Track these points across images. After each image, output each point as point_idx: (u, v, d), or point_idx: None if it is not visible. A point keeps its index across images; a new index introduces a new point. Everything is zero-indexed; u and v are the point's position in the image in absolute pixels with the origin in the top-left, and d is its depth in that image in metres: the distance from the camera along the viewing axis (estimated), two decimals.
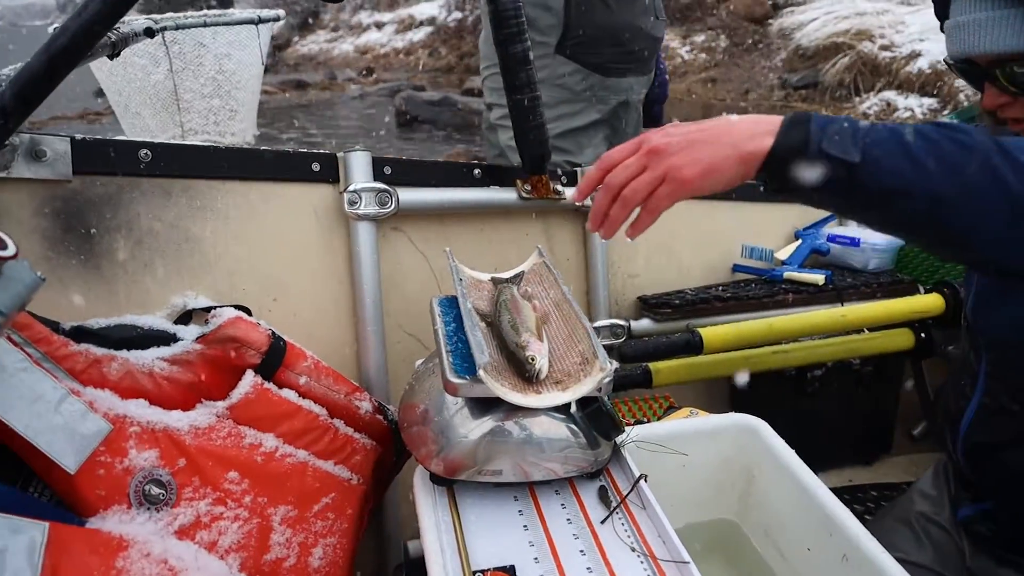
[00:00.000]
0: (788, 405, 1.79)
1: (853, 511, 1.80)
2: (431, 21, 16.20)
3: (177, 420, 0.95)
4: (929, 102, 7.17)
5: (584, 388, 0.91)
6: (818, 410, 1.82)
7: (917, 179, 0.67)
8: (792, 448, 1.19)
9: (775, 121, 0.73)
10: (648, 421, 1.55)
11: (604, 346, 1.63)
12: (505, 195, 1.49)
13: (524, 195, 1.48)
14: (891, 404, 1.96)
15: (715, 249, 1.85)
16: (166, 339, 1.08)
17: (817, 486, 1.10)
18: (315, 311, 1.37)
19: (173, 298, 1.22)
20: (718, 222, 1.85)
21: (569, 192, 1.58)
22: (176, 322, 1.17)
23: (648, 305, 1.68)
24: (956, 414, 1.09)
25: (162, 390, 1.00)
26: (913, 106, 7.18)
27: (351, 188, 1.32)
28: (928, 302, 1.73)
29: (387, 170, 1.36)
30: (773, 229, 1.94)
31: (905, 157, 0.67)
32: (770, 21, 9.93)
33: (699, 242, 1.82)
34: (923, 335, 1.73)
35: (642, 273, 1.74)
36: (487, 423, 0.94)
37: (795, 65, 9.00)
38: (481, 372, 0.87)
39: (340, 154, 1.33)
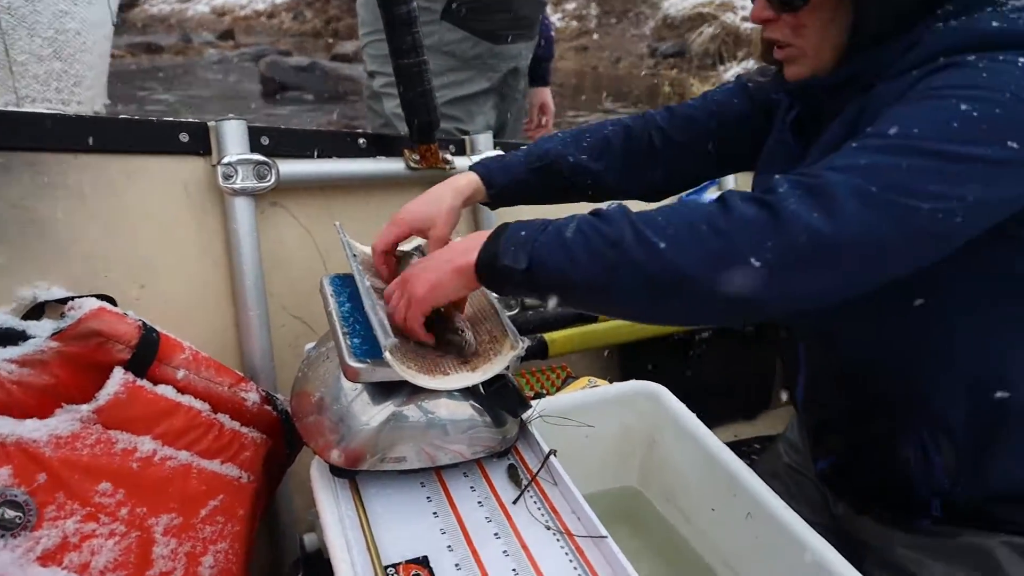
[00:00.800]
0: (676, 368, 1.83)
1: None
2: None
3: (33, 430, 0.83)
4: None
5: (495, 367, 0.88)
6: (704, 372, 1.87)
7: (575, 273, 0.75)
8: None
9: (483, 238, 0.83)
10: (547, 392, 1.54)
11: None
12: (392, 165, 1.42)
13: (412, 165, 1.42)
14: (771, 361, 2.05)
15: None
16: (13, 337, 0.95)
17: (719, 448, 1.12)
18: (189, 296, 1.25)
19: (20, 289, 1.08)
20: None
21: (460, 161, 1.52)
22: (25, 317, 1.04)
23: None
24: (793, 386, 1.13)
25: (11, 396, 0.88)
26: None
27: (225, 160, 1.21)
28: None
29: (264, 140, 1.26)
30: None
31: (564, 255, 0.75)
32: None
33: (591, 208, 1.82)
34: None
35: None
36: (388, 408, 0.89)
37: (664, 34, 9.24)
38: (387, 355, 0.81)
39: (212, 123, 1.21)
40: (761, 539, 1.03)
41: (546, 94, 2.48)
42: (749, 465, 1.99)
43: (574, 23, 10.29)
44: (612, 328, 1.61)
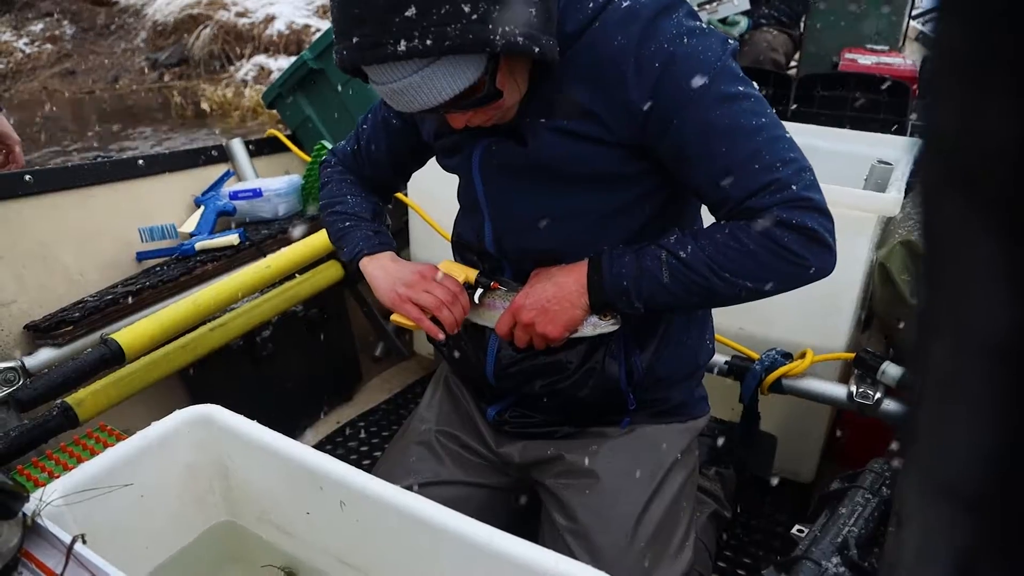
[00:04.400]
0: (250, 376, 1.67)
1: (348, 449, 1.83)
2: None
3: None
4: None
5: None
6: (281, 370, 1.74)
7: (679, 304, 0.99)
8: (270, 417, 1.08)
9: (582, 279, 1.00)
10: None
11: None
12: None
13: None
14: (347, 337, 2.00)
15: (107, 242, 1.58)
16: None
17: (291, 447, 1.01)
18: None
19: None
20: (99, 212, 1.58)
21: None
22: None
23: (40, 331, 1.34)
24: (483, 338, 1.13)
25: None
26: (284, 66, 7.52)
27: None
28: None
29: None
30: (169, 202, 1.75)
31: (670, 297, 0.96)
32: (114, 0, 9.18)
33: (84, 240, 1.53)
34: None
35: (18, 297, 1.38)
36: None
37: (159, 43, 8.55)
38: None
39: None
40: (362, 521, 0.96)
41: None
42: (356, 448, 1.94)
43: (48, 46, 8.89)
44: (154, 361, 1.38)
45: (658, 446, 1.14)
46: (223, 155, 1.90)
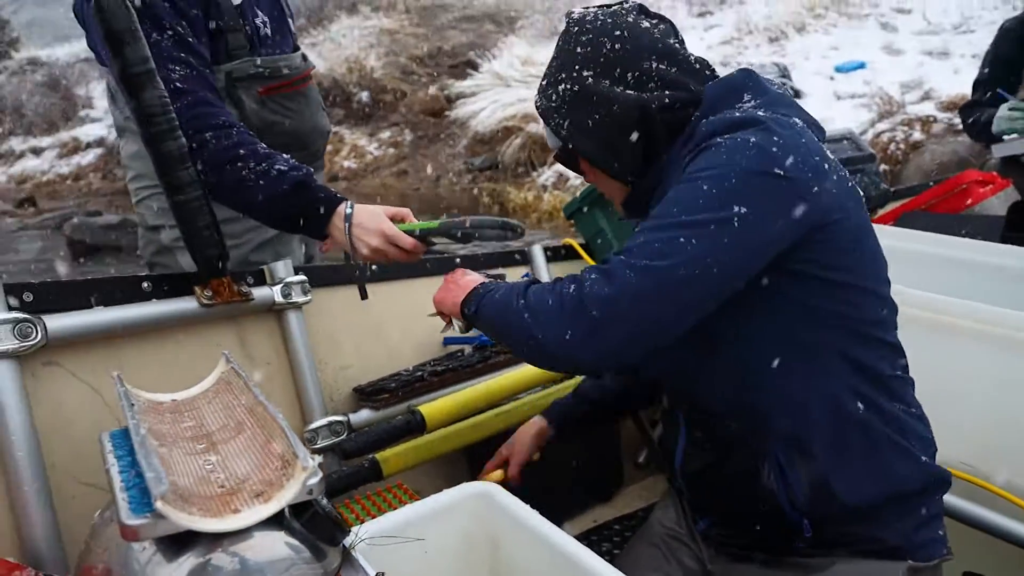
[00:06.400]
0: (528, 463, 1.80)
1: (601, 548, 1.87)
2: (100, 142, 14.88)
3: None
4: None
5: (289, 493, 0.81)
6: (551, 461, 1.86)
7: (493, 327, 1.10)
8: (537, 502, 1.19)
9: (476, 283, 1.17)
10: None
11: (326, 447, 1.54)
12: (183, 305, 1.34)
13: (205, 302, 1.35)
14: (614, 439, 2.07)
15: (423, 325, 1.84)
16: None
17: (559, 536, 1.09)
18: None
19: None
20: (421, 298, 1.85)
21: (260, 292, 1.47)
22: None
23: (365, 394, 1.61)
24: (670, 449, 1.21)
25: None
26: None
27: None
28: None
29: (27, 296, 1.15)
30: None
31: (492, 318, 1.08)
32: (447, 113, 10.68)
33: (406, 321, 1.80)
34: None
35: (354, 363, 1.67)
36: (188, 561, 0.80)
37: (476, 150, 9.73)
38: (159, 504, 0.73)
39: None
40: None
41: None
42: (609, 550, 1.97)
43: (391, 150, 10.61)
44: (447, 435, 1.57)
45: None
46: (525, 258, 2.13)
